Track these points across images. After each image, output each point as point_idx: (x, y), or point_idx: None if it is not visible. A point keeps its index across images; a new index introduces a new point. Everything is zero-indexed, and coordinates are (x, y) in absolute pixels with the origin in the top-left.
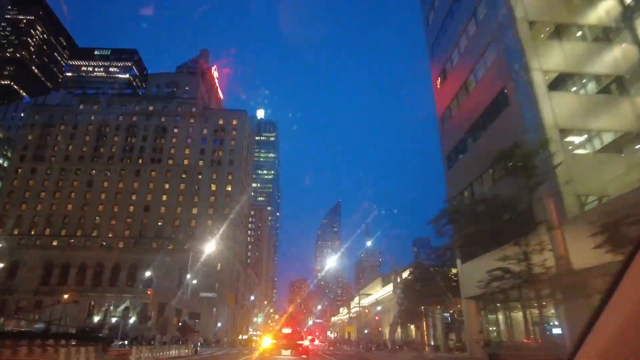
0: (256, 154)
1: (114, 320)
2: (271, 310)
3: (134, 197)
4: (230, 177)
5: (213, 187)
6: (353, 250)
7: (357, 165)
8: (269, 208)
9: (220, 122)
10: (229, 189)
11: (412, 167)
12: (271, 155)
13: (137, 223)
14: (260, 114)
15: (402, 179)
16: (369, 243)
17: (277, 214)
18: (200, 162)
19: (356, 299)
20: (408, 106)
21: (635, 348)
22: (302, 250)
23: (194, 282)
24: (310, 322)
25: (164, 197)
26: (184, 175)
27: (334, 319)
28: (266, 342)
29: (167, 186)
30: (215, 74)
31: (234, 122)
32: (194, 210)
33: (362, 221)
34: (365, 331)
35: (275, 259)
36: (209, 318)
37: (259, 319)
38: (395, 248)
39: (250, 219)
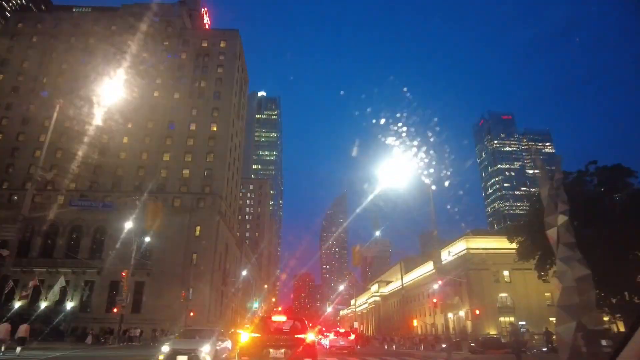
0: (257, 133)
1: (43, 305)
2: (273, 300)
3: (85, 139)
4: (215, 114)
5: (192, 127)
6: (360, 241)
7: (364, 154)
8: (272, 192)
9: (204, 44)
10: (214, 129)
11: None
12: (273, 134)
13: (89, 172)
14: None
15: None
16: (377, 233)
17: (280, 201)
18: (176, 95)
19: (374, 287)
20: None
21: None
22: (305, 243)
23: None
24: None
25: (125, 139)
26: (153, 113)
27: (342, 312)
28: (244, 337)
29: (130, 125)
30: (206, 19)
31: (222, 44)
32: (165, 157)
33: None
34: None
35: (278, 249)
36: (175, 300)
37: (254, 304)
38: (403, 242)
39: (249, 194)
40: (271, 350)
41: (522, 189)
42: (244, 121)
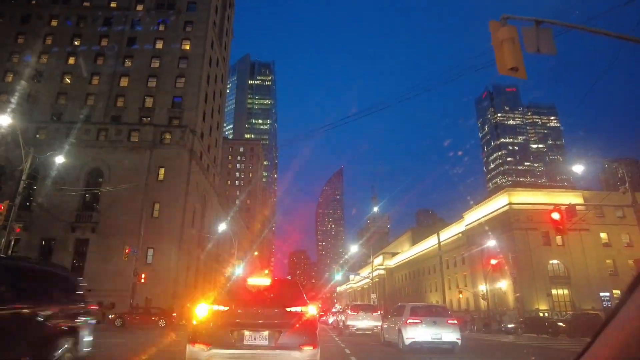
0: (249, 100)
1: None
2: (266, 272)
3: (15, 60)
4: (189, 29)
5: (158, 45)
6: (358, 218)
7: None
8: (265, 162)
9: None
10: (186, 47)
11: (421, 130)
12: (267, 101)
13: (21, 99)
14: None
15: (411, 144)
16: (375, 208)
17: (275, 175)
18: (139, 6)
19: (377, 260)
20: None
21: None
22: (301, 219)
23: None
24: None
25: (70, 60)
26: (106, 27)
27: (339, 289)
28: (202, 311)
29: (77, 42)
30: None
31: None
32: (123, 81)
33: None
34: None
35: (272, 223)
36: (129, 265)
37: (236, 270)
38: (400, 218)
39: (238, 157)
40: (246, 332)
41: (526, 163)
42: (229, 51)
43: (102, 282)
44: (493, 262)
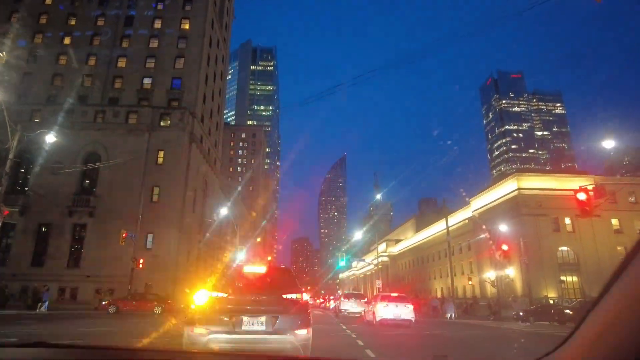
0: (251, 86)
1: None
2: (269, 258)
3: (9, 41)
4: (188, 8)
5: (157, 24)
6: (360, 206)
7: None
8: (268, 150)
9: None
10: (186, 27)
11: (425, 118)
12: (269, 87)
13: (16, 80)
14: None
15: (414, 132)
16: (378, 196)
17: (277, 162)
18: None
19: (381, 247)
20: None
21: (618, 347)
22: (303, 207)
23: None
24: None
25: (66, 40)
26: (102, 7)
27: (342, 276)
28: (201, 298)
29: (72, 22)
30: None
31: None
32: (120, 62)
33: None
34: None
35: (275, 211)
36: (127, 250)
37: (238, 256)
38: (402, 206)
39: (240, 143)
40: (244, 318)
41: (530, 150)
42: (230, 32)
43: (101, 267)
44: (504, 247)
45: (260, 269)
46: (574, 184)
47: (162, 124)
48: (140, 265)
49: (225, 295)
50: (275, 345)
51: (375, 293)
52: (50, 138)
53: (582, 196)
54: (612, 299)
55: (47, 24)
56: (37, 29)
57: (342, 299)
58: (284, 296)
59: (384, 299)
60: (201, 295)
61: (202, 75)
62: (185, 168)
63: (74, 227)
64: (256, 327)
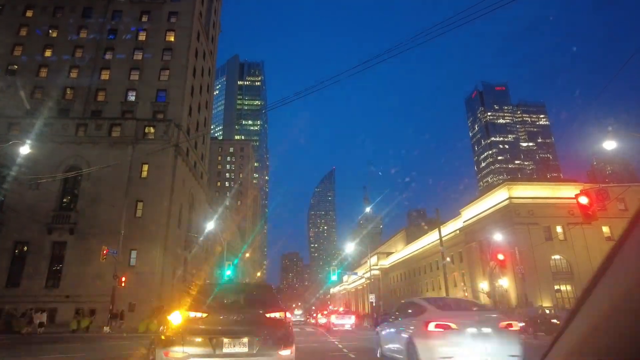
0: (239, 101)
1: None
2: (258, 274)
3: None
4: (173, 20)
5: (141, 37)
6: (349, 220)
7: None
8: (256, 164)
9: None
10: (171, 39)
11: (412, 131)
12: (257, 102)
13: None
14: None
15: (402, 145)
16: (368, 209)
17: (266, 177)
18: None
19: (372, 260)
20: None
21: (600, 352)
22: (292, 222)
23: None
24: None
25: (47, 52)
26: (85, 18)
27: (332, 290)
28: (177, 317)
29: (54, 34)
30: None
31: None
32: (104, 75)
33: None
34: None
35: (265, 226)
36: (110, 268)
37: (226, 271)
38: (391, 219)
39: (228, 157)
40: (225, 339)
41: (516, 162)
42: (216, 45)
43: (82, 287)
44: (500, 257)
45: (240, 285)
46: (563, 192)
47: (146, 136)
48: (123, 284)
49: (205, 315)
50: None
51: (368, 308)
52: (25, 150)
53: (584, 200)
54: (592, 305)
55: (27, 36)
56: (17, 41)
57: (332, 315)
58: (268, 315)
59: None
60: (177, 316)
61: (187, 87)
62: (171, 182)
63: (53, 245)
64: (238, 349)
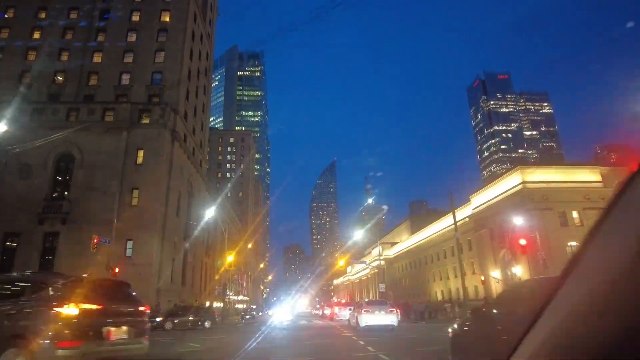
0: (239, 92)
1: None
2: (261, 266)
3: None
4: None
5: (135, 17)
6: (351, 211)
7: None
8: (257, 155)
9: None
10: (166, 19)
11: (414, 121)
12: (257, 93)
13: None
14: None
15: (403, 135)
16: (370, 200)
17: (268, 168)
18: None
19: (375, 250)
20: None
21: (567, 351)
22: (294, 215)
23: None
24: None
25: (36, 34)
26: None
27: (336, 281)
28: (72, 310)
29: (42, 15)
30: None
31: None
32: (96, 57)
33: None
34: None
35: (267, 218)
36: (104, 259)
37: (227, 261)
38: (393, 210)
39: (229, 148)
40: (112, 328)
41: (520, 150)
42: (214, 29)
43: None
44: (522, 242)
45: (113, 281)
46: (579, 176)
47: (141, 121)
48: (116, 272)
49: (98, 307)
50: (135, 351)
51: (377, 297)
52: (2, 127)
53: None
54: (559, 302)
55: (15, 18)
56: (4, 23)
57: (335, 307)
58: (140, 308)
59: (367, 305)
60: (72, 309)
61: (184, 70)
62: (168, 168)
63: (45, 236)
64: (121, 336)
